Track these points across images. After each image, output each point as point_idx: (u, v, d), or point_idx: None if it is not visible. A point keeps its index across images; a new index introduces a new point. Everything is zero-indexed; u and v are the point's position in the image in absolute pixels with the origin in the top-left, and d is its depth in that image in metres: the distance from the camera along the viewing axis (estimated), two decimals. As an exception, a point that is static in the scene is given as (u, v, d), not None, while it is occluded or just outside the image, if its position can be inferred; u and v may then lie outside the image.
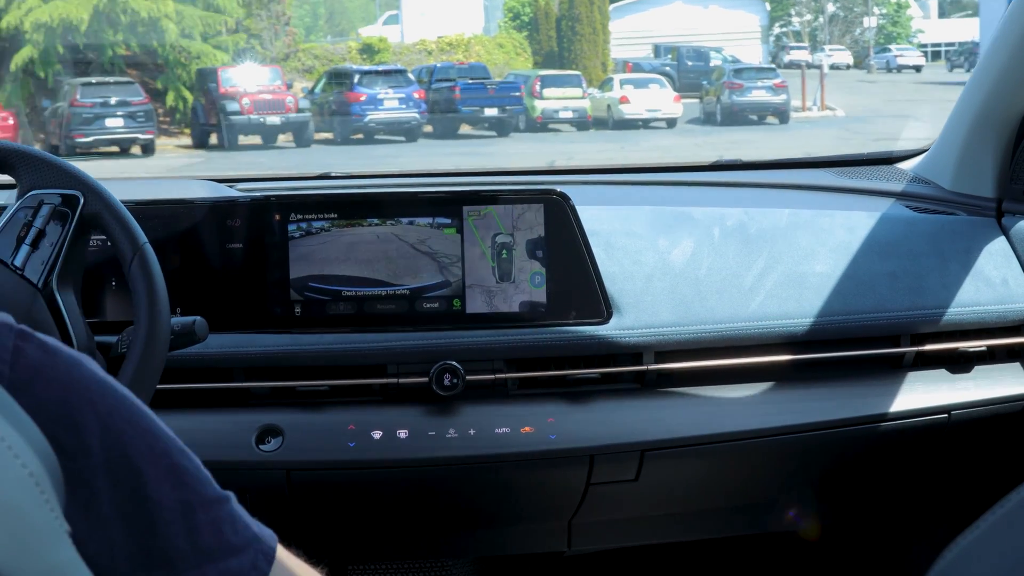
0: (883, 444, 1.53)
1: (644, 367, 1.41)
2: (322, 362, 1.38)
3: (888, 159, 1.89)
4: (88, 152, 14.63)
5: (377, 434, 1.37)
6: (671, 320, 1.41)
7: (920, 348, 1.47)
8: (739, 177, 1.85)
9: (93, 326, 1.28)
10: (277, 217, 1.34)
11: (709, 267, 1.46)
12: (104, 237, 1.33)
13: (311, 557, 0.69)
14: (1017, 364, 1.51)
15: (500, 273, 1.36)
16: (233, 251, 1.35)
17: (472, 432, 1.37)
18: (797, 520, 1.68)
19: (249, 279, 1.35)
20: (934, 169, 1.73)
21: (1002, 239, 1.53)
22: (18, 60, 17.53)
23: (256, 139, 15.43)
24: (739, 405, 1.43)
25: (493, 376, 1.39)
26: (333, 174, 1.90)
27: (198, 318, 1.10)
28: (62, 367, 0.60)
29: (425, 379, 1.36)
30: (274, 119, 15.25)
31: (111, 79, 16.25)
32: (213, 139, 15.92)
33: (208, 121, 15.93)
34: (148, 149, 15.15)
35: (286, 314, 1.34)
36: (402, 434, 1.37)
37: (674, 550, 1.85)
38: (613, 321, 1.39)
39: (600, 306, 1.37)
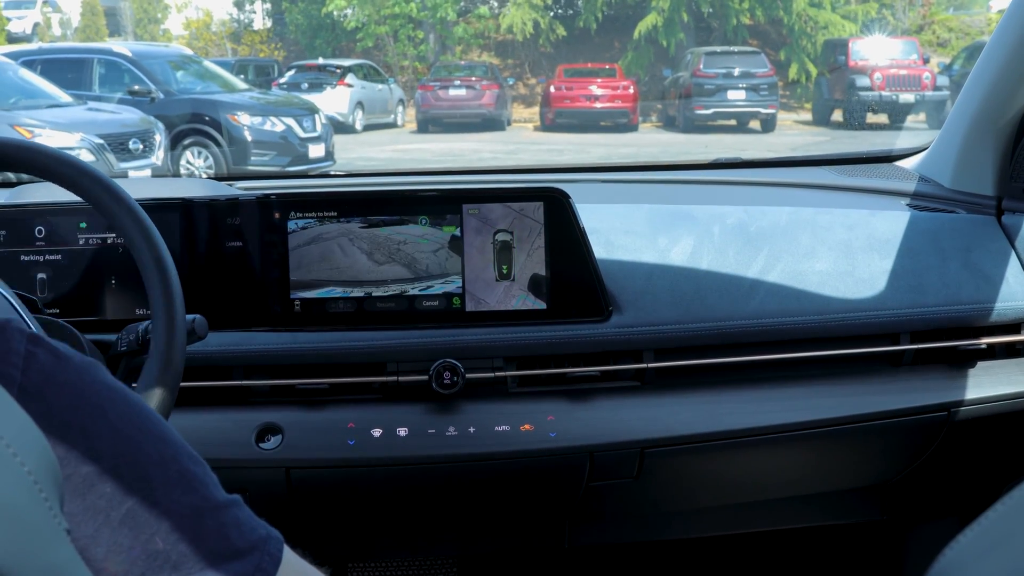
0: (883, 442, 1.53)
1: (644, 365, 1.41)
2: (322, 360, 1.38)
3: (888, 157, 1.89)
4: (705, 125, 14.07)
5: (377, 432, 1.37)
6: (671, 318, 1.41)
7: (920, 346, 1.47)
8: (739, 175, 1.85)
9: (93, 325, 1.29)
10: (277, 215, 1.34)
11: (709, 265, 1.46)
12: (103, 236, 1.33)
13: (311, 555, 0.69)
14: (1017, 362, 1.51)
15: (500, 271, 1.36)
16: (233, 249, 1.35)
17: (472, 430, 1.37)
18: (795, 518, 1.69)
19: (249, 277, 1.35)
20: (934, 167, 1.73)
21: (1002, 237, 1.53)
22: (642, 28, 17.38)
23: (882, 118, 13.97)
24: (739, 403, 1.44)
25: (493, 374, 1.39)
26: (332, 172, 1.91)
27: (198, 316, 1.10)
28: (73, 372, 0.60)
29: (425, 377, 1.36)
30: (907, 97, 13.56)
31: (735, 49, 15.45)
32: (835, 116, 14.83)
33: (832, 96, 14.81)
34: (768, 124, 14.16)
35: (286, 312, 1.35)
36: (402, 432, 1.37)
37: (673, 547, 1.85)
38: (613, 319, 1.40)
39: (600, 304, 1.37)
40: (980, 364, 1.50)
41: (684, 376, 1.44)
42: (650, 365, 1.41)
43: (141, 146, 8.02)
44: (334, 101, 13.67)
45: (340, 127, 12.45)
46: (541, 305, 1.36)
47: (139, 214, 1.03)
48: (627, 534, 1.67)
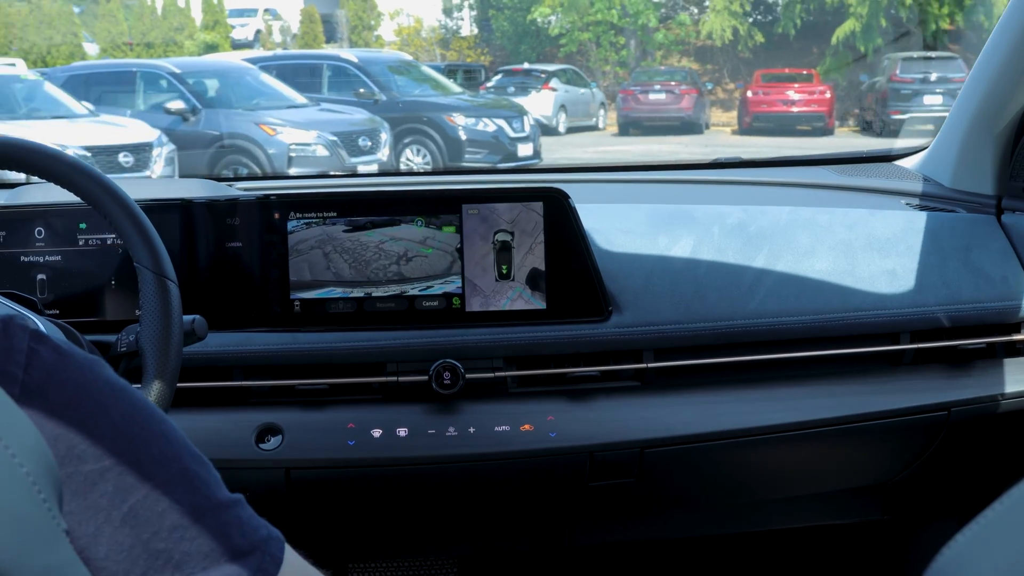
0: (883, 441, 1.53)
1: (644, 365, 1.41)
2: (321, 360, 1.38)
3: (888, 157, 1.89)
4: (902, 130, 14.18)
5: (377, 432, 1.37)
6: (671, 318, 1.41)
7: (920, 345, 1.47)
8: (738, 175, 1.85)
9: (93, 325, 1.29)
10: (277, 216, 1.34)
11: (709, 265, 1.45)
12: (103, 237, 1.33)
13: (311, 556, 0.69)
14: (1017, 361, 1.51)
15: (499, 271, 1.36)
16: (233, 250, 1.35)
17: (472, 430, 1.37)
18: (795, 517, 1.68)
19: (249, 278, 1.35)
20: (934, 167, 1.73)
21: (1002, 236, 1.53)
22: (839, 33, 17.53)
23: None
24: (739, 403, 1.43)
25: (492, 374, 1.39)
26: (332, 173, 1.91)
27: (197, 317, 1.10)
28: (76, 370, 0.60)
29: (425, 377, 1.36)
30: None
31: (933, 54, 15.53)
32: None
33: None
34: (963, 132, 14.60)
35: (285, 312, 1.35)
36: (402, 432, 1.37)
37: (674, 547, 1.85)
38: (613, 319, 1.40)
39: (600, 304, 1.37)
40: (980, 364, 1.50)
41: (684, 376, 1.44)
42: (650, 365, 1.41)
43: (369, 143, 8.84)
44: (539, 104, 14.09)
45: (544, 129, 12.88)
46: (541, 305, 1.36)
47: (135, 210, 1.03)
48: (627, 534, 1.67)
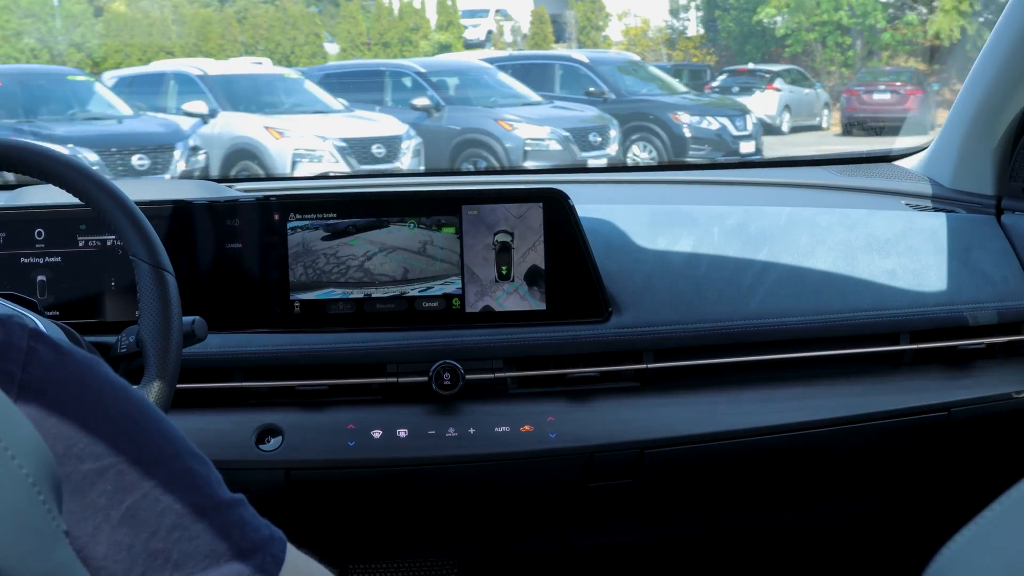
0: (883, 442, 1.53)
1: (644, 365, 1.41)
2: (322, 361, 1.38)
3: (887, 157, 1.89)
4: None
5: (377, 433, 1.37)
6: (671, 318, 1.41)
7: (919, 346, 1.47)
8: (738, 176, 1.85)
9: (93, 327, 1.29)
10: (276, 217, 1.34)
11: (709, 266, 1.46)
12: (103, 238, 1.33)
13: (312, 557, 0.69)
14: (1016, 361, 1.51)
15: (499, 272, 1.36)
16: (233, 251, 1.35)
17: (472, 431, 1.37)
18: (796, 517, 1.69)
19: (248, 279, 1.35)
20: (934, 167, 1.73)
21: (1002, 237, 1.53)
22: None
23: None
24: (738, 403, 1.43)
25: (492, 375, 1.39)
26: (332, 174, 1.91)
27: (197, 318, 1.10)
28: (75, 369, 0.59)
29: (424, 378, 1.36)
30: None
31: None
32: None
33: None
34: None
35: (285, 313, 1.35)
36: (402, 433, 1.37)
37: (673, 546, 1.85)
38: (613, 320, 1.40)
39: (599, 305, 1.37)
40: (980, 364, 1.50)
41: (684, 377, 1.44)
42: (650, 366, 1.41)
43: (599, 139, 9.30)
44: (763, 104, 14.22)
45: (767, 128, 13.01)
46: (541, 306, 1.36)
47: (128, 205, 1.03)
48: (627, 534, 1.67)
